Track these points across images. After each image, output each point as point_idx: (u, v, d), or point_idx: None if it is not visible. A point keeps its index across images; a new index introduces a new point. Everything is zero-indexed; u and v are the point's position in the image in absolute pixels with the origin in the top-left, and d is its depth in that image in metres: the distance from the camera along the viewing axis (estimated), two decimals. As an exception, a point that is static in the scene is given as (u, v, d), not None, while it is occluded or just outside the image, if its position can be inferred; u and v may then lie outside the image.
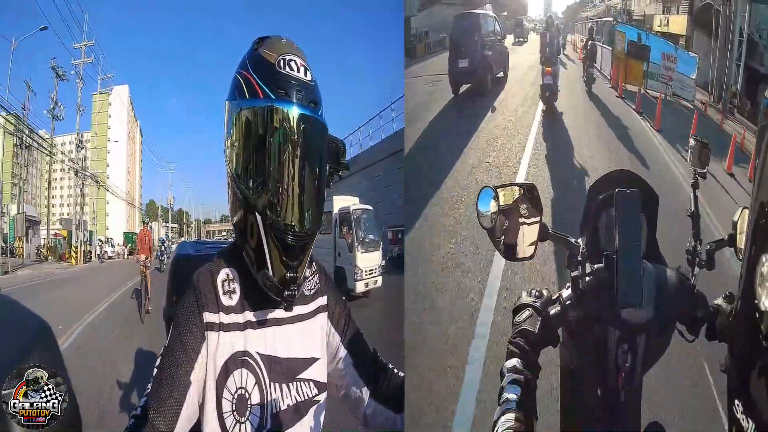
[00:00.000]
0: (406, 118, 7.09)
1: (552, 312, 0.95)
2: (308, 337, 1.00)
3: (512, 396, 0.81)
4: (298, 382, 0.96)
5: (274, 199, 0.87)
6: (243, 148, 0.89)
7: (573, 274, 0.94)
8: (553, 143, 5.67)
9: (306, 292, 1.01)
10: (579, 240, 0.98)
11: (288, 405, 0.93)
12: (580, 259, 0.94)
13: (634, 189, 0.86)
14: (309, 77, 0.91)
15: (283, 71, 0.89)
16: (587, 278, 0.92)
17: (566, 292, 0.96)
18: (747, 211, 0.81)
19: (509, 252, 0.96)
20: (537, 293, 0.99)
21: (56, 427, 0.60)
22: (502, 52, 9.63)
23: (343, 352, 1.05)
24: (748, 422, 0.63)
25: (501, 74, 9.53)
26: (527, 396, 0.82)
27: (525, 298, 0.98)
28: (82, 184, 14.69)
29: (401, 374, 1.07)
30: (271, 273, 0.88)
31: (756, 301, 0.60)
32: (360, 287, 7.43)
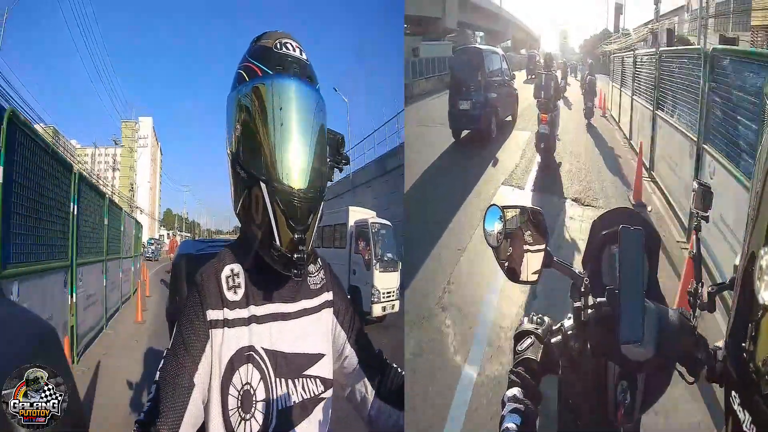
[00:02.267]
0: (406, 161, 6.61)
1: (553, 341, 0.96)
2: (314, 332, 0.98)
3: (512, 425, 0.82)
4: (304, 379, 0.94)
5: (277, 164, 0.86)
6: (245, 126, 0.89)
7: (576, 304, 0.94)
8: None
9: (312, 287, 1.00)
10: (583, 271, 0.98)
11: (294, 402, 0.92)
12: (583, 290, 0.94)
13: (638, 227, 0.86)
14: (304, 57, 0.95)
15: (280, 51, 0.92)
16: (589, 310, 0.92)
17: (568, 322, 0.97)
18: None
19: (513, 274, 0.96)
20: (539, 320, 1.00)
21: (59, 427, 0.58)
22: (511, 94, 8.61)
23: (349, 350, 1.04)
24: (744, 414, 0.63)
25: (509, 118, 8.67)
26: (527, 425, 0.83)
27: (527, 325, 1.00)
28: (131, 210, 23.16)
29: (404, 373, 1.06)
30: (278, 242, 0.86)
31: (756, 295, 0.60)
32: (377, 310, 6.91)
